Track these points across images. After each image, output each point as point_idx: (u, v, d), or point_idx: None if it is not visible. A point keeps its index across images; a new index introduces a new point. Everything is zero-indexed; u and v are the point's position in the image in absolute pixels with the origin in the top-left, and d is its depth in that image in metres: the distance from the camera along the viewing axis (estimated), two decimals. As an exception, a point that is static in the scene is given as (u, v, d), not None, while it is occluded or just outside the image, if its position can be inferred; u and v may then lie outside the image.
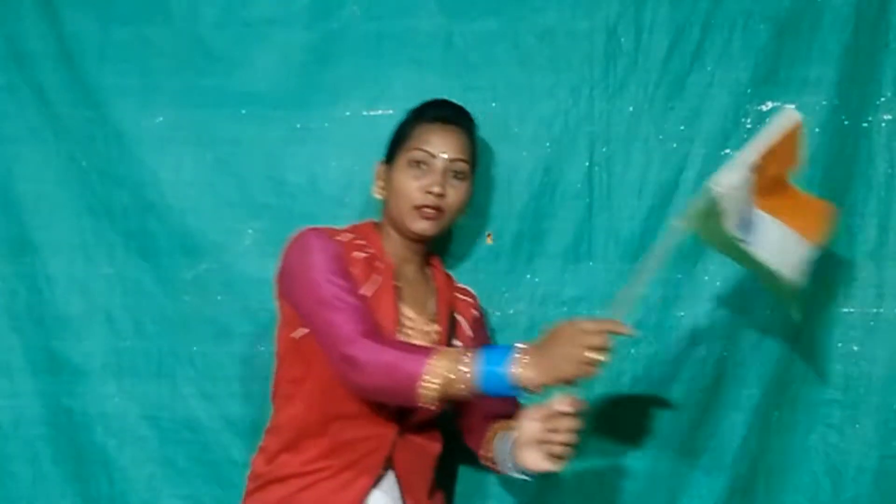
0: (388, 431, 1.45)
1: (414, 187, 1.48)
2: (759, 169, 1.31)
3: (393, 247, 1.54)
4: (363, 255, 1.47)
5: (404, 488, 1.47)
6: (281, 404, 1.51)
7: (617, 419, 1.76)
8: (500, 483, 1.78)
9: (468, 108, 1.72)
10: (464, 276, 1.73)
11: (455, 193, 1.50)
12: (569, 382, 1.25)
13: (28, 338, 1.80)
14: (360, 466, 1.43)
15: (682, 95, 1.72)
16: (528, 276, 1.76)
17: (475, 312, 1.63)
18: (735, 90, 1.71)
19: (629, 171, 1.74)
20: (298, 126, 1.77)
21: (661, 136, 1.73)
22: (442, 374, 1.26)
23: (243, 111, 1.78)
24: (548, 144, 1.74)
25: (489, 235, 1.76)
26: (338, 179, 1.77)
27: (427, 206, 1.47)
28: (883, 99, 1.70)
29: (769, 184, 1.34)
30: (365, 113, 1.77)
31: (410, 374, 1.27)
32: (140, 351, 1.80)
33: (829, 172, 1.70)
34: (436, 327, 1.53)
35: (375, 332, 1.36)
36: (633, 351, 1.75)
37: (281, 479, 1.45)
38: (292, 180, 1.77)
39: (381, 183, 1.56)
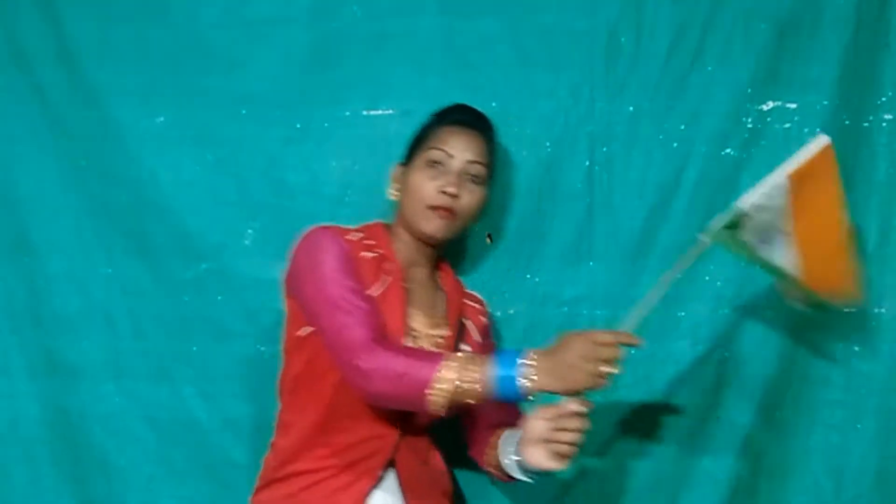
0: (391, 433, 1.44)
1: (429, 187, 1.48)
2: (794, 192, 1.32)
3: (403, 249, 1.53)
4: (372, 255, 1.47)
5: (406, 489, 1.47)
6: (287, 402, 1.51)
7: (617, 420, 1.76)
8: (504, 486, 1.77)
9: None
10: (464, 276, 1.73)
11: (470, 197, 1.50)
12: (579, 393, 1.25)
13: (26, 338, 1.80)
14: (362, 467, 1.43)
15: (683, 95, 1.72)
16: (528, 276, 1.76)
17: (483, 319, 1.63)
18: (735, 90, 1.71)
19: (629, 171, 1.73)
20: (298, 126, 1.77)
21: (661, 136, 1.72)
22: (451, 381, 1.25)
23: (243, 111, 1.78)
24: (548, 144, 1.74)
25: (489, 235, 1.75)
26: (338, 179, 1.77)
27: (441, 207, 1.47)
28: (884, 99, 1.70)
29: (809, 212, 1.35)
30: (365, 113, 1.77)
31: (419, 381, 1.26)
32: (139, 351, 1.80)
33: (830, 172, 1.70)
34: (444, 331, 1.52)
35: (383, 336, 1.35)
36: (633, 351, 1.74)
37: (286, 478, 1.45)
38: (292, 180, 1.77)
39: (396, 185, 1.56)
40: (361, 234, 1.50)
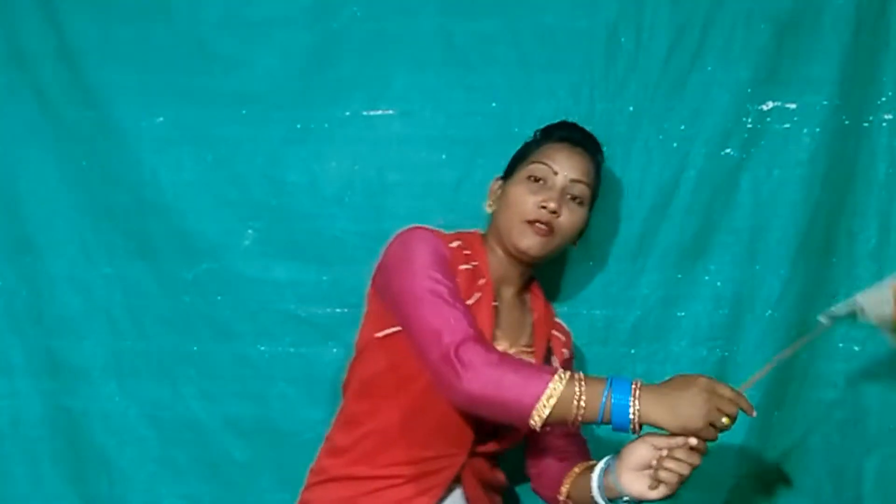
0: (461, 452, 1.40)
1: (529, 201, 1.43)
2: None
3: (496, 264, 1.48)
4: (468, 266, 1.42)
5: None
6: (355, 401, 1.46)
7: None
8: None
9: (468, 108, 1.73)
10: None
11: (570, 216, 1.44)
12: (689, 433, 1.21)
13: (28, 337, 1.81)
14: (429, 482, 1.37)
15: (683, 95, 1.72)
16: (528, 276, 1.76)
17: (566, 352, 1.57)
18: (735, 90, 1.70)
19: (629, 171, 1.73)
20: (298, 126, 1.77)
21: (661, 136, 1.72)
22: (563, 395, 1.19)
23: (243, 111, 1.77)
24: (548, 144, 1.74)
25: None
26: (338, 179, 1.77)
27: (539, 222, 1.42)
28: (884, 99, 1.70)
29: None
30: (365, 113, 1.77)
31: (528, 390, 1.20)
32: (140, 351, 1.80)
33: (830, 172, 1.70)
34: (529, 360, 1.45)
35: (487, 340, 1.30)
36: (633, 351, 1.75)
37: (345, 479, 1.40)
38: (292, 180, 1.77)
39: (493, 197, 1.52)
40: (459, 243, 1.44)
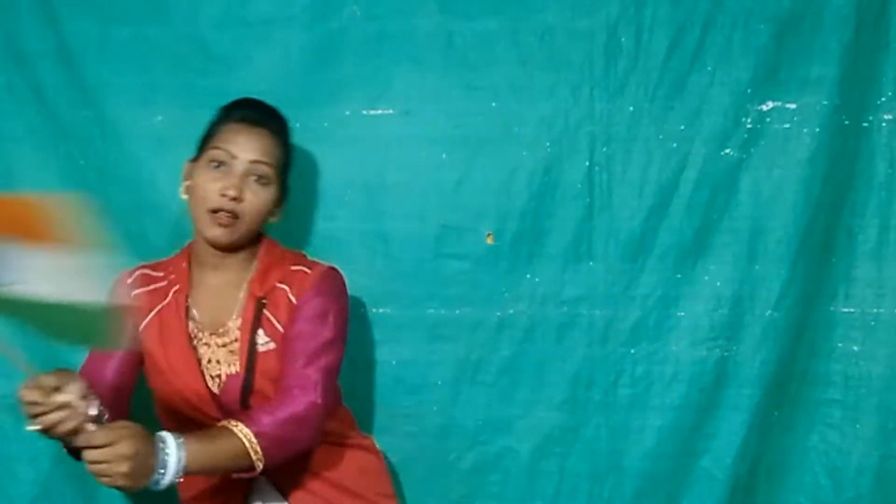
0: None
1: (211, 188, 1.42)
2: None
3: (201, 254, 1.49)
4: (147, 288, 1.47)
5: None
6: None
7: (617, 420, 1.76)
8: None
9: (468, 108, 1.73)
10: (464, 276, 1.73)
11: (254, 198, 1.43)
12: None
13: (28, 337, 1.80)
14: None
15: (683, 95, 1.71)
16: (528, 276, 1.76)
17: (292, 298, 1.45)
18: (735, 90, 1.70)
19: (629, 171, 1.73)
20: (298, 126, 1.76)
21: (661, 136, 1.72)
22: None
23: (243, 111, 1.77)
24: (548, 144, 1.74)
25: (489, 235, 1.75)
26: (338, 179, 1.77)
27: (222, 210, 1.41)
28: (883, 99, 1.70)
29: None
30: (365, 113, 1.76)
31: None
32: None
33: (830, 172, 1.70)
34: (235, 335, 1.45)
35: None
36: (633, 351, 1.75)
37: None
38: (292, 180, 1.77)
39: (187, 183, 1.49)
40: (147, 271, 1.50)
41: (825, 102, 1.69)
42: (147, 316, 1.45)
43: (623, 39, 1.72)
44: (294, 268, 1.48)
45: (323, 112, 1.77)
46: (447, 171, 1.75)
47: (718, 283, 1.73)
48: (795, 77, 1.70)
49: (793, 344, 1.73)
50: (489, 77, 1.74)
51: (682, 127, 1.72)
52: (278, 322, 1.44)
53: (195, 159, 1.50)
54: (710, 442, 1.75)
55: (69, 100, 1.79)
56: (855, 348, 1.72)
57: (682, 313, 1.74)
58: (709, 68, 1.71)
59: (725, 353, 1.74)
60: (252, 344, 1.43)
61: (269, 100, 1.75)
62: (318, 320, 1.43)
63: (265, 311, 1.45)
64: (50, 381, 1.15)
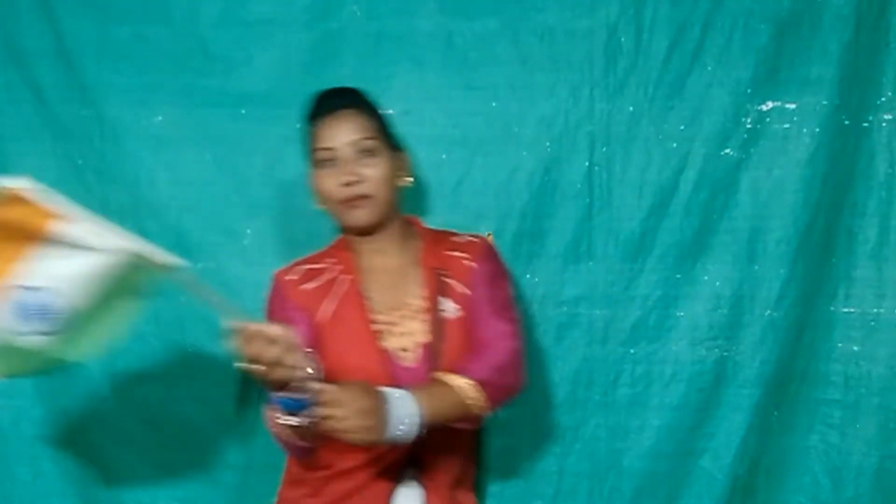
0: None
1: (332, 185, 1.44)
2: None
3: (357, 245, 1.51)
4: (313, 285, 1.47)
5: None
6: None
7: (616, 419, 1.76)
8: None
9: (468, 108, 1.73)
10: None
11: (373, 171, 1.44)
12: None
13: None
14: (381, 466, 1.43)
15: (683, 95, 1.72)
16: (528, 276, 1.76)
17: (473, 264, 1.49)
18: (735, 90, 1.70)
19: (629, 171, 1.73)
20: (298, 126, 1.76)
21: (661, 136, 1.72)
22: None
23: (243, 111, 1.77)
24: (548, 144, 1.74)
25: (489, 235, 1.75)
26: (337, 179, 1.77)
27: (350, 199, 1.43)
28: (883, 99, 1.70)
29: None
30: (365, 113, 1.76)
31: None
32: (137, 352, 1.79)
33: (830, 172, 1.70)
34: (417, 302, 1.47)
35: None
36: (632, 351, 1.75)
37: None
38: (292, 180, 1.77)
39: (314, 191, 1.51)
40: (309, 266, 1.50)
41: (825, 102, 1.69)
42: (320, 305, 1.45)
43: (623, 39, 1.72)
44: (456, 239, 1.54)
45: (323, 112, 1.76)
46: (447, 171, 1.75)
47: (718, 283, 1.73)
48: (795, 77, 1.70)
49: (792, 344, 1.73)
50: (489, 77, 1.74)
51: (682, 127, 1.72)
52: (464, 286, 1.47)
53: (309, 169, 1.51)
54: (710, 442, 1.75)
55: (68, 99, 1.79)
56: (855, 348, 1.72)
57: (682, 313, 1.74)
58: (709, 68, 1.71)
59: (725, 353, 1.74)
60: (438, 313, 1.46)
61: (270, 100, 1.77)
62: (498, 280, 1.51)
63: (447, 280, 1.48)
64: (274, 331, 1.19)
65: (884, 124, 1.70)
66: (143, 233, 1.74)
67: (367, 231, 1.48)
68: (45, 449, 1.80)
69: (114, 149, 1.78)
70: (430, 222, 1.73)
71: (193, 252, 1.77)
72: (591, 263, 1.76)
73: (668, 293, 1.75)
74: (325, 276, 1.48)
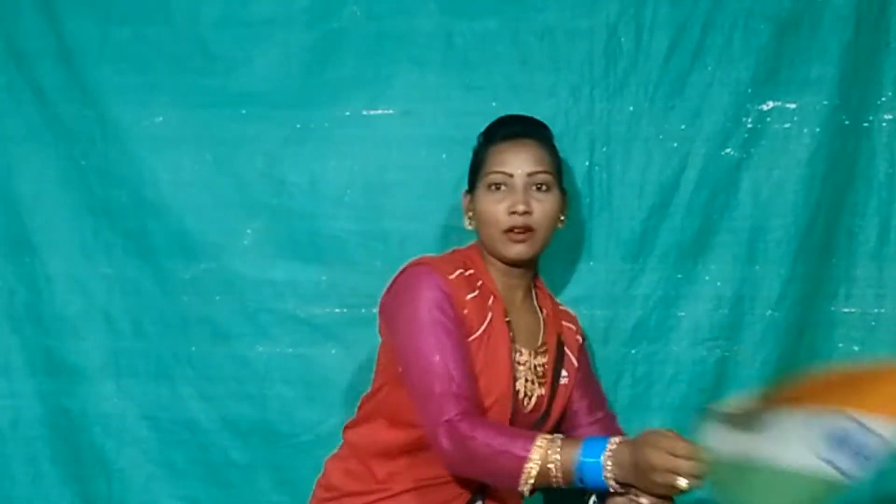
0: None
1: (498, 210, 1.41)
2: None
3: (499, 276, 1.46)
4: (474, 294, 1.39)
5: None
6: (365, 418, 1.48)
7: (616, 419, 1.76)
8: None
9: (468, 108, 1.73)
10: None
11: (542, 206, 1.42)
12: (654, 495, 1.18)
13: (27, 338, 1.80)
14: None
15: (683, 95, 1.72)
16: (528, 276, 1.76)
17: (579, 338, 1.56)
18: (735, 90, 1.70)
19: (629, 171, 1.73)
20: (298, 126, 1.77)
21: (661, 136, 1.72)
22: (539, 472, 1.20)
23: (243, 111, 1.77)
24: (548, 144, 1.74)
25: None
26: (338, 179, 1.77)
27: (515, 228, 1.40)
28: (883, 99, 1.71)
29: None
30: (365, 113, 1.76)
31: (508, 474, 1.22)
32: (138, 351, 1.80)
33: (830, 172, 1.70)
34: (543, 360, 1.46)
35: (471, 409, 1.29)
36: (633, 351, 1.75)
37: (356, 494, 1.42)
38: (292, 180, 1.77)
39: (469, 214, 1.49)
40: (461, 270, 1.41)
41: (825, 102, 1.69)
42: (477, 319, 1.38)
43: (623, 39, 1.72)
44: (561, 307, 1.60)
45: (323, 112, 1.76)
46: (447, 171, 1.74)
47: (719, 283, 1.73)
48: (795, 77, 1.70)
49: (793, 344, 1.72)
50: (489, 77, 1.75)
51: (683, 127, 1.72)
52: (574, 358, 1.52)
53: (470, 191, 1.49)
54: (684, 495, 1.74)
55: (69, 99, 1.79)
56: (855, 348, 1.72)
57: (683, 313, 1.74)
58: (709, 68, 1.71)
59: (726, 353, 1.74)
60: (557, 371, 1.48)
61: (270, 100, 1.77)
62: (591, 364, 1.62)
63: (565, 350, 1.52)
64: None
65: (884, 124, 1.70)
66: (146, 234, 1.77)
67: (518, 264, 1.46)
68: (45, 449, 1.80)
69: (115, 149, 1.78)
70: (431, 223, 1.75)
71: (195, 253, 1.78)
72: (591, 263, 1.75)
73: (668, 293, 1.75)
74: (477, 289, 1.41)
